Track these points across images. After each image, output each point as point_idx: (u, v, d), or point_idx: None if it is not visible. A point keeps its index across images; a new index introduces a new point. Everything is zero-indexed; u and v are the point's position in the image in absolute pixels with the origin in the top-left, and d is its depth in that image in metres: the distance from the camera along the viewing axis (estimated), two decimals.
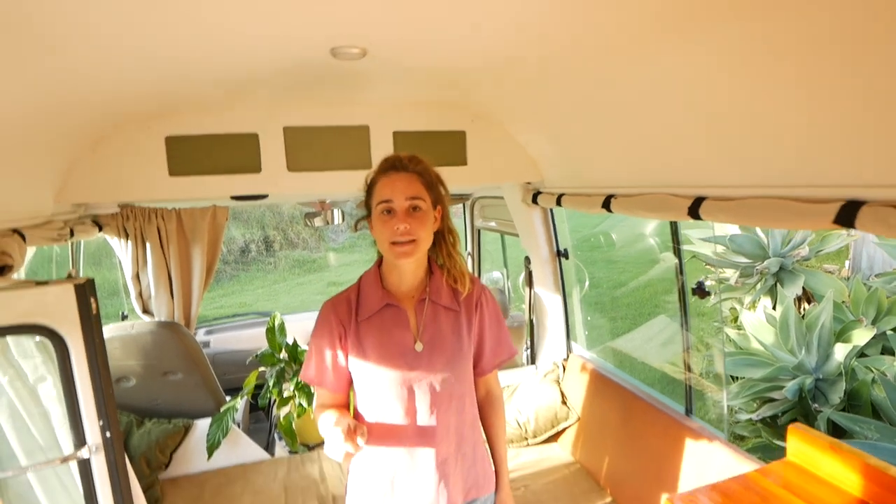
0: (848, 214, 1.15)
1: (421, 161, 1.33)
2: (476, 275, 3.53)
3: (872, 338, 4.74)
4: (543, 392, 2.78)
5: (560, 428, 2.69)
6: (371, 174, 1.35)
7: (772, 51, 1.11)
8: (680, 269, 2.16)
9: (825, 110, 1.13)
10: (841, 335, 4.76)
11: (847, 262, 7.23)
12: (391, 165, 1.30)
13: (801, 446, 1.48)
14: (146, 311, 2.51)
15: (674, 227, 2.13)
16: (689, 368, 2.16)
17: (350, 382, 1.40)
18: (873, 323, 5.03)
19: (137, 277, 2.45)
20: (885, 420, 4.03)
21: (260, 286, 11.14)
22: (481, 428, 1.49)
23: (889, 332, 4.85)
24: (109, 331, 2.42)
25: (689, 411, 2.14)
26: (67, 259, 2.49)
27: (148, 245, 2.35)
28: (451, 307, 1.37)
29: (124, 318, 3.25)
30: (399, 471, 1.34)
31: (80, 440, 1.25)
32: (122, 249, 2.39)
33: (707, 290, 1.95)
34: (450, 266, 1.38)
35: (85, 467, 1.25)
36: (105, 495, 1.27)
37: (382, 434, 1.35)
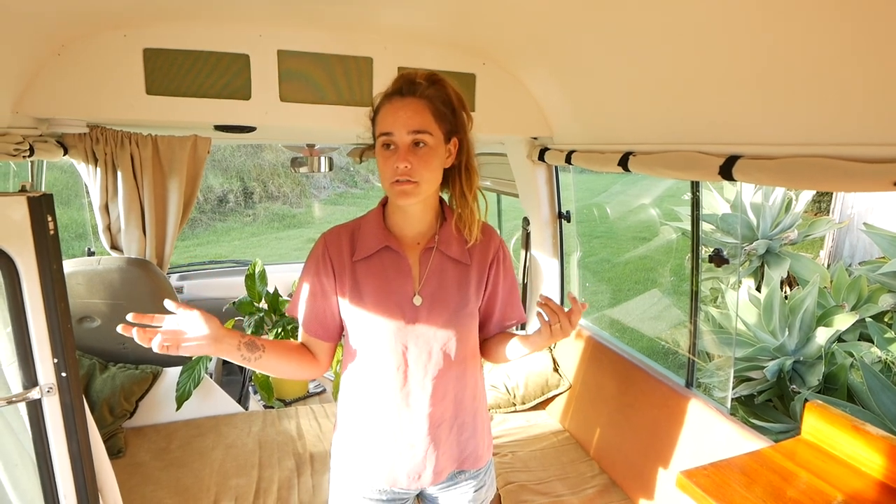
0: None
1: (437, 82, 1.13)
2: None
3: (852, 324, 4.79)
4: (534, 358, 2.68)
5: (550, 395, 2.61)
6: (378, 97, 1.17)
7: None
8: (696, 237, 2.04)
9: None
10: (822, 319, 4.80)
11: (821, 252, 7.28)
12: (397, 89, 1.13)
13: (820, 424, 1.40)
14: (115, 246, 2.30)
15: (695, 191, 2.00)
16: (693, 340, 2.07)
17: (340, 330, 1.25)
18: (853, 309, 5.09)
19: (106, 209, 2.22)
20: (859, 403, 4.08)
21: (237, 238, 10.85)
22: (485, 398, 1.36)
23: (868, 319, 4.91)
24: (73, 265, 2.21)
25: (689, 384, 2.06)
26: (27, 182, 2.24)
27: (119, 173, 2.12)
28: (461, 259, 1.22)
29: (91, 254, 3.02)
30: (386, 431, 1.22)
31: (30, 379, 1.08)
32: (90, 176, 2.15)
33: (725, 257, 1.84)
34: (461, 209, 1.20)
35: (35, 410, 1.08)
36: (58, 442, 1.10)
37: (372, 390, 1.21)
